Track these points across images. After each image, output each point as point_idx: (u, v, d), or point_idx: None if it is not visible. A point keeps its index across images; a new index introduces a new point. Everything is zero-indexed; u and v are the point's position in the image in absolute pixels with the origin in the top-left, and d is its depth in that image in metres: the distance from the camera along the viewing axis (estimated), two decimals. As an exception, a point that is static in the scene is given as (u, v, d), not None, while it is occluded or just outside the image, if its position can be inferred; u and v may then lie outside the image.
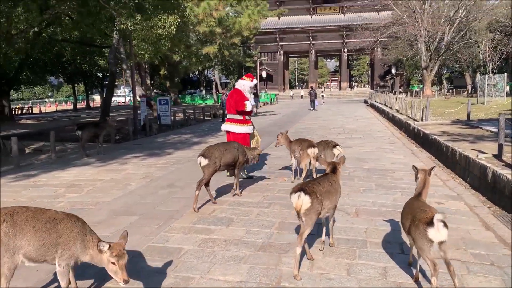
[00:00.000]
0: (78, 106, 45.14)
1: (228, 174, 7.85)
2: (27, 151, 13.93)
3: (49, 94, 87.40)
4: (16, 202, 6.46)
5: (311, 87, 42.04)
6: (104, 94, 26.18)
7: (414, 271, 3.82)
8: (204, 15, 17.13)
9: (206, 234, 4.89)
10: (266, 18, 51.04)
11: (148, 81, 42.23)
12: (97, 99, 59.67)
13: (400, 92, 43.76)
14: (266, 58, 55.62)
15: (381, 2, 40.19)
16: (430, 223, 3.24)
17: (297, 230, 4.95)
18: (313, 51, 67.61)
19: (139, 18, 10.60)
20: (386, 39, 45.14)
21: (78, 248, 3.08)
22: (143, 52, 11.29)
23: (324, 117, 23.29)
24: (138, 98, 18.24)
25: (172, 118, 19.89)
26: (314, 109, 31.02)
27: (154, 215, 5.64)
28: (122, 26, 11.15)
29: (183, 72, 35.80)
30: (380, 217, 5.45)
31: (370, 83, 72.24)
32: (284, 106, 39.09)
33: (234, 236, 4.82)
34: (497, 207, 6.39)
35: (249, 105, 7.80)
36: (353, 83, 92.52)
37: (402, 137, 14.34)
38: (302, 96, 59.08)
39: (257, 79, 48.19)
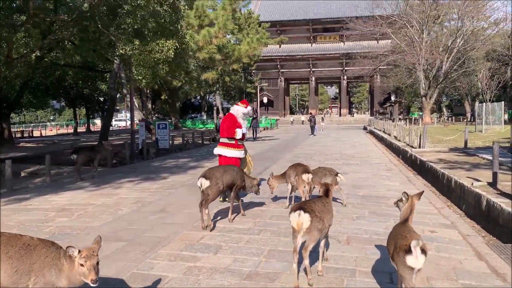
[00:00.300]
0: (79, 130, 45.26)
1: (221, 199, 7.79)
2: (22, 174, 13.91)
3: (51, 118, 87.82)
4: (5, 227, 6.38)
5: (311, 113, 42.36)
6: (104, 118, 26.30)
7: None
8: (204, 42, 17.35)
9: (193, 261, 4.80)
10: (267, 46, 51.73)
11: (150, 106, 42.56)
12: (98, 123, 59.95)
13: (400, 119, 43.95)
14: (267, 84, 56.19)
15: (379, 31, 40.78)
16: (409, 250, 3.19)
17: (286, 258, 4.87)
18: (313, 78, 68.30)
19: (137, 43, 10.75)
20: (385, 67, 45.64)
21: (53, 275, 3.00)
22: (140, 78, 11.35)
23: (322, 143, 23.30)
24: (137, 122, 18.32)
25: (171, 142, 19.90)
26: (313, 134, 31.12)
27: (141, 241, 5.56)
28: (121, 51, 11.29)
29: (183, 97, 36.09)
30: (371, 245, 5.36)
31: (370, 110, 72.65)
32: (284, 131, 39.20)
33: (221, 264, 4.72)
34: (491, 236, 6.30)
35: (239, 133, 7.89)
36: (353, 110, 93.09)
37: (399, 164, 14.29)
38: (302, 121, 59.37)
39: (257, 105, 48.55)
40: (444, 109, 61.48)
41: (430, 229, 6.19)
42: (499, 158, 8.78)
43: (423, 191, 4.37)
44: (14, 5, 11.38)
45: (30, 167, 14.18)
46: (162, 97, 31.00)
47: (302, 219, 3.94)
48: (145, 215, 7.06)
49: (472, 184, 7.92)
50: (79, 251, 2.98)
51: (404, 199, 4.02)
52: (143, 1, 9.89)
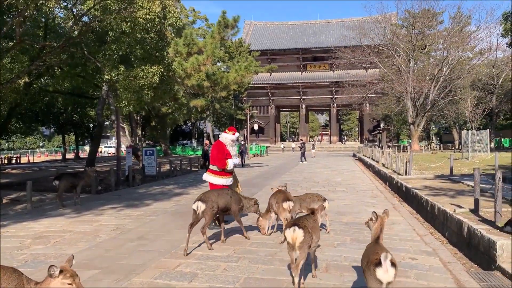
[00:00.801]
0: (68, 157, 44.94)
1: (213, 224, 7.68)
2: (4, 201, 13.67)
3: (41, 144, 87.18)
4: (-24, 254, 6.21)
5: (301, 140, 42.44)
6: (90, 144, 26.17)
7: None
8: (192, 69, 17.49)
9: (166, 290, 4.68)
10: (257, 74, 52.42)
11: (140, 132, 42.44)
12: (87, 149, 59.59)
13: (389, 146, 44.28)
14: (256, 111, 56.60)
15: (367, 60, 41.54)
16: (379, 263, 3.27)
17: (261, 285, 4.77)
18: (304, 106, 68.98)
19: (123, 69, 10.80)
20: (374, 95, 46.26)
21: None
22: (125, 103, 11.35)
23: (310, 170, 23.30)
24: (124, 149, 18.22)
25: (158, 168, 19.78)
26: (303, 161, 31.11)
27: (116, 269, 5.42)
28: (107, 76, 11.34)
29: (172, 124, 36.14)
30: (350, 273, 5.27)
31: (360, 137, 73.21)
32: (273, 158, 39.21)
33: (195, 292, 4.61)
34: (472, 263, 6.25)
35: (230, 164, 7.88)
36: (344, 137, 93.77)
37: (386, 191, 14.29)
38: (293, 148, 59.55)
39: (248, 132, 48.69)
40: (433, 137, 62.14)
41: (411, 256, 6.13)
42: (483, 185, 8.84)
43: (386, 209, 4.47)
44: (1, 31, 11.44)
45: (12, 193, 13.96)
46: (152, 123, 30.99)
47: (297, 234, 4.30)
48: (123, 242, 6.92)
49: (455, 210, 7.92)
50: (61, 271, 2.94)
51: (374, 218, 4.13)
52: (128, 28, 10.01)
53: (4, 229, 8.20)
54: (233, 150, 8.28)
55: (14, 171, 26.57)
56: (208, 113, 45.90)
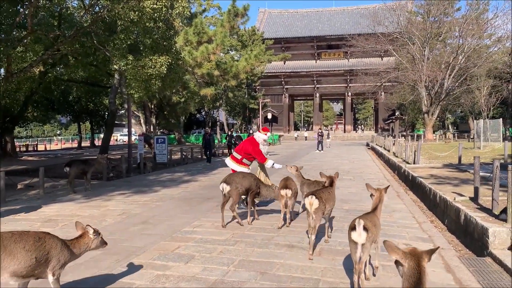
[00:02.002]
0: (83, 144, 45.70)
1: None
2: (19, 186, 14.08)
3: (58, 132, 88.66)
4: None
5: (320, 129, 41.91)
6: (104, 132, 26.64)
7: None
8: (202, 58, 17.64)
9: (162, 270, 4.90)
10: (270, 62, 52.45)
11: (154, 121, 42.91)
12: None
13: (403, 135, 43.91)
14: (269, 100, 56.53)
15: (381, 48, 41.07)
16: (354, 227, 3.94)
17: (255, 268, 4.96)
18: (318, 95, 68.69)
19: (131, 58, 11.00)
20: (389, 84, 45.81)
21: (66, 254, 3.73)
22: (133, 92, 11.59)
23: (321, 159, 23.37)
24: (137, 137, 18.56)
25: (169, 156, 20.09)
26: (320, 150, 30.33)
27: (117, 250, 5.67)
28: (115, 66, 11.58)
29: (182, 112, 36.44)
30: (342, 257, 5.42)
31: (374, 126, 72.71)
32: (286, 147, 39.29)
33: (189, 273, 4.82)
34: (468, 250, 6.35)
35: (269, 163, 8.50)
36: (361, 126, 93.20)
37: (393, 180, 14.32)
38: (306, 137, 59.44)
39: (260, 121, 48.81)
40: (449, 126, 61.39)
41: (406, 242, 6.24)
42: (488, 174, 8.84)
43: (389, 185, 5.85)
44: (14, 21, 11.74)
45: (27, 179, 14.36)
46: (165, 112, 31.35)
47: (313, 201, 5.26)
48: (127, 226, 7.18)
49: (454, 199, 7.98)
50: (94, 230, 3.97)
51: (373, 193, 4.88)
52: (136, 18, 10.19)
53: (16, 213, 8.54)
54: (264, 149, 8.98)
55: (30, 158, 27.21)
56: (221, 102, 46.09)
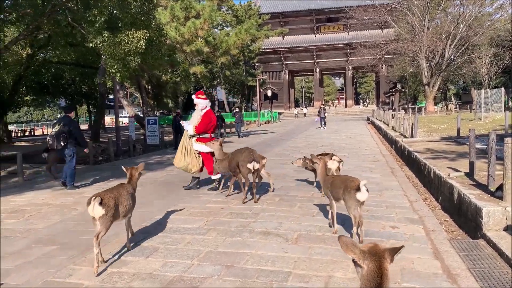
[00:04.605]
0: (81, 127, 45.23)
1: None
2: (2, 173, 13.68)
3: (58, 116, 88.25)
4: None
5: (323, 104, 40.69)
6: (94, 115, 26.12)
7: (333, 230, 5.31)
8: (190, 34, 16.91)
9: (117, 267, 4.43)
10: (268, 38, 51.22)
11: (151, 101, 42.26)
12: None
13: (404, 108, 43.12)
14: (266, 77, 55.42)
15: (380, 19, 39.89)
16: (358, 188, 4.68)
17: (221, 261, 4.48)
18: (318, 70, 67.50)
19: (106, 35, 10.37)
20: (389, 56, 44.75)
21: (134, 198, 5.09)
22: (114, 71, 11.00)
23: (317, 135, 22.81)
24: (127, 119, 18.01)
25: (162, 138, 19.59)
26: (322, 127, 29.35)
27: (76, 244, 5.20)
28: (91, 44, 10.96)
29: (172, 92, 35.73)
30: (321, 244, 4.94)
31: (376, 100, 71.72)
32: (284, 125, 38.71)
33: (147, 269, 4.35)
34: (461, 230, 5.86)
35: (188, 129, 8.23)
36: (363, 101, 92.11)
37: (389, 155, 13.79)
38: (305, 114, 58.65)
39: (259, 98, 48.07)
40: (452, 98, 60.33)
41: (393, 224, 5.75)
42: (486, 146, 8.28)
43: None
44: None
45: (11, 166, 13.93)
46: (157, 92, 30.68)
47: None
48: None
49: (449, 174, 7.45)
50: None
51: (317, 163, 5.61)
52: (110, -10, 9.59)
53: (-15, 203, 8.10)
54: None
55: (23, 144, 26.82)
56: (218, 80, 45.27)
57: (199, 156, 8.28)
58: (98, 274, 4.18)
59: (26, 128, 46.86)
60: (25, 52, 22.52)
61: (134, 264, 4.49)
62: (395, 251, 1.99)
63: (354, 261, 2.16)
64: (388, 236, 5.22)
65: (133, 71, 11.85)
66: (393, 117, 23.51)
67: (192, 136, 8.18)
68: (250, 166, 6.86)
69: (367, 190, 4.69)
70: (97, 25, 10.36)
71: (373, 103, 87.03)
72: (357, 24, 46.68)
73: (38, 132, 45.32)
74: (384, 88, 63.37)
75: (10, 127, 56.81)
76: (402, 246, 1.97)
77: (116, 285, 3.98)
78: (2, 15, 13.28)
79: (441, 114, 35.86)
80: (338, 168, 7.63)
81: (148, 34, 10.87)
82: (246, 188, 7.09)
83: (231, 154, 7.47)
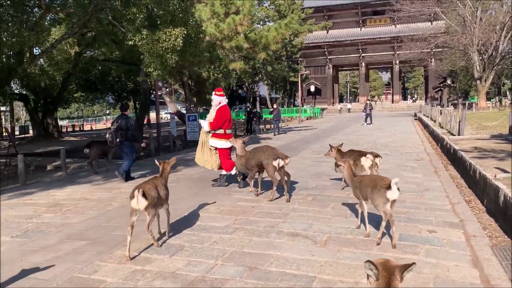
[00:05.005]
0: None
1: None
2: (49, 168, 14.27)
3: (107, 112, 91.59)
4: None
5: (369, 100, 39.51)
6: (138, 111, 26.76)
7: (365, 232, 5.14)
8: (229, 30, 16.90)
9: (142, 264, 4.42)
10: (311, 32, 50.53)
11: (194, 98, 42.86)
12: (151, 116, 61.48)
13: (455, 104, 41.30)
14: (308, 72, 54.61)
15: (429, 11, 38.28)
16: (389, 187, 4.53)
17: (245, 262, 4.38)
18: (363, 64, 65.95)
19: (145, 32, 10.52)
20: (439, 49, 42.97)
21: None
22: (151, 70, 11.15)
23: (359, 132, 22.25)
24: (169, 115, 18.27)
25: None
26: (368, 123, 27.96)
27: (105, 240, 5.27)
28: (130, 42, 11.17)
29: (211, 88, 35.97)
30: (350, 248, 4.73)
31: (424, 95, 69.23)
32: (326, 121, 38.12)
33: (170, 268, 4.32)
34: (506, 236, 5.44)
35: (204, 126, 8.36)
36: (412, 96, 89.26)
37: (433, 154, 13.18)
38: (349, 109, 57.48)
39: (301, 94, 47.58)
40: (508, 93, 57.18)
41: (431, 228, 5.42)
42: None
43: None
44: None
45: (57, 160, 14.49)
46: (195, 89, 30.99)
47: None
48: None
49: (495, 175, 6.97)
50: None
51: (341, 165, 5.43)
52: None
53: (28, 196, 8.44)
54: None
55: (71, 138, 27.93)
56: (260, 76, 45.20)
57: (216, 153, 8.30)
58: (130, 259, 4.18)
59: (76, 123, 48.88)
60: (73, 51, 23.37)
61: (158, 263, 4.47)
62: (405, 268, 1.82)
63: (367, 274, 2.00)
64: (424, 241, 4.93)
65: (171, 68, 11.94)
66: (440, 113, 22.53)
67: (209, 132, 8.30)
68: (275, 163, 6.78)
69: (398, 189, 4.57)
70: (137, 22, 10.51)
71: (422, 98, 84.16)
72: (404, 17, 44.99)
73: (87, 127, 47.14)
74: (433, 83, 60.97)
75: (62, 123, 59.69)
76: (413, 263, 1.79)
77: (138, 284, 3.96)
78: (50, 15, 13.89)
79: (494, 110, 34.02)
80: (375, 164, 7.40)
81: (185, 32, 10.91)
82: (274, 187, 7.02)
83: (250, 152, 7.46)
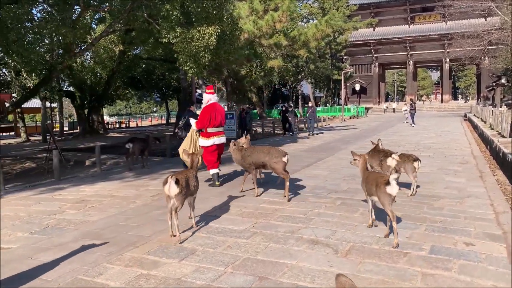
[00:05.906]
0: (171, 121, 47.41)
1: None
2: (87, 163, 14.57)
3: (154, 109, 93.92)
4: (14, 217, 6.43)
5: (411, 99, 38.02)
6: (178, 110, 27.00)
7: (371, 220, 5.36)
8: (268, 27, 16.59)
9: (148, 269, 4.22)
10: (356, 29, 49.26)
11: (234, 96, 42.94)
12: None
13: (510, 105, 38.92)
14: (352, 70, 53.25)
15: (482, 6, 36.22)
16: (388, 182, 4.60)
17: (257, 271, 4.08)
18: (411, 62, 63.68)
19: (179, 30, 10.42)
20: (494, 47, 40.63)
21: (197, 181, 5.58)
22: (186, 68, 11.06)
23: (402, 132, 21.33)
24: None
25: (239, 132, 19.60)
26: (412, 124, 26.71)
27: (119, 240, 5.12)
28: (165, 39, 11.12)
29: (249, 86, 35.77)
30: (374, 260, 4.32)
31: (476, 95, 65.97)
32: (370, 120, 37.03)
33: (177, 274, 4.08)
34: (558, 253, 4.82)
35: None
36: (463, 95, 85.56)
37: (481, 157, 12.29)
38: (394, 109, 55.66)
39: (344, 92, 46.51)
40: None
41: (468, 241, 4.89)
42: None
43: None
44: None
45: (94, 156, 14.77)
46: (234, 87, 30.86)
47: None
48: (151, 209, 6.66)
49: (547, 183, 6.28)
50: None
51: (357, 159, 5.49)
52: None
53: (57, 192, 8.53)
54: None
55: (115, 135, 28.63)
56: (303, 74, 44.60)
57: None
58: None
59: (122, 120, 50.31)
60: (118, 49, 23.90)
61: (166, 267, 4.25)
62: None
63: None
64: (459, 255, 4.43)
65: (204, 67, 11.81)
66: (491, 114, 21.19)
67: (198, 131, 8.45)
68: (285, 159, 6.83)
69: (398, 184, 4.69)
70: (172, 19, 10.43)
71: (474, 98, 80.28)
72: (455, 13, 42.88)
73: (132, 124, 48.38)
74: (486, 82, 57.88)
75: (111, 119, 61.66)
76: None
77: (140, 290, 3.76)
78: (95, 13, 14.17)
79: (553, 111, 31.73)
80: (413, 168, 6.99)
81: (219, 30, 10.74)
82: (287, 183, 6.93)
83: (246, 149, 7.38)
